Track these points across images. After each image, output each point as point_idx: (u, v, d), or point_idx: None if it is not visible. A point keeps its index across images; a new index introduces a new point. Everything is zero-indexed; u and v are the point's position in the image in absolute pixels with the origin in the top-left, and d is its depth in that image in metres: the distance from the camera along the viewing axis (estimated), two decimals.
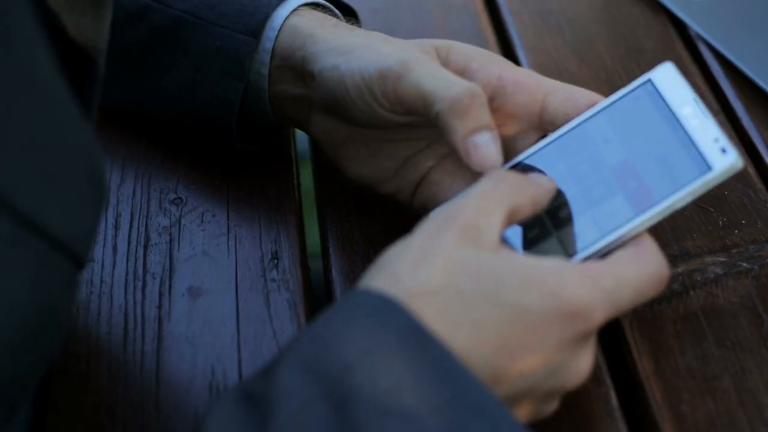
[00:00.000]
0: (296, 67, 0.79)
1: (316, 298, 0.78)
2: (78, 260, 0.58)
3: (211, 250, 0.80)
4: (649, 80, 0.72)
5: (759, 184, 0.84)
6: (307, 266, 0.79)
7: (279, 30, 0.80)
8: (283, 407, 0.57)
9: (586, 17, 1.02)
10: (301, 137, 0.91)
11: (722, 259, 0.78)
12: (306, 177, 0.87)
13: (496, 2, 1.05)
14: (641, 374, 0.71)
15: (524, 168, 0.73)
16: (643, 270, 0.65)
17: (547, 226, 0.69)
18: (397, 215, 0.82)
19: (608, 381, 0.71)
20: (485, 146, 0.70)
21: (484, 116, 0.71)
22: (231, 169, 0.86)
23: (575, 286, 0.62)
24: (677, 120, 0.70)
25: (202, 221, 0.82)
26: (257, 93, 0.82)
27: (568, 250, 0.68)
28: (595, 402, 0.70)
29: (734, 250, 0.78)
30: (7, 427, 0.59)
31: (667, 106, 0.71)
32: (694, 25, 1.00)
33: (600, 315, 0.63)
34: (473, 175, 0.74)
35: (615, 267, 0.65)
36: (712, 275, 0.77)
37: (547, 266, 0.63)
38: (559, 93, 0.74)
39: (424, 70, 0.72)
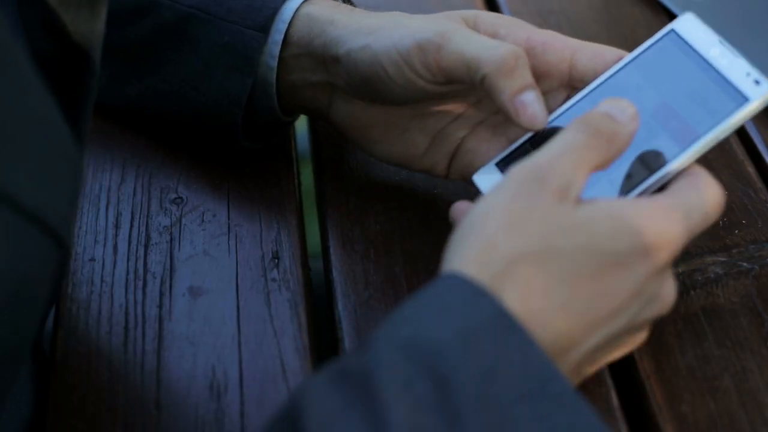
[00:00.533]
0: (315, 54, 0.80)
1: (317, 297, 0.78)
2: (55, 236, 0.58)
3: (211, 250, 0.80)
4: (672, 30, 0.74)
5: (759, 183, 0.84)
6: (308, 266, 0.79)
7: (291, 20, 0.80)
8: (390, 382, 0.57)
9: (586, 17, 1.02)
10: (301, 137, 0.91)
11: (723, 259, 0.78)
12: (306, 177, 0.87)
13: (496, 2, 1.05)
14: (641, 374, 0.71)
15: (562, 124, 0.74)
16: (705, 195, 0.67)
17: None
18: (397, 215, 0.82)
19: (608, 381, 0.71)
20: (532, 104, 0.72)
21: (528, 75, 0.73)
22: (231, 169, 0.86)
23: (657, 221, 0.65)
24: (706, 61, 0.72)
25: (203, 221, 0.82)
26: (264, 87, 0.82)
27: (622, 190, 0.70)
28: (595, 402, 0.70)
29: (734, 250, 0.78)
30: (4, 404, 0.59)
31: (695, 50, 0.73)
32: None
33: (679, 243, 0.66)
34: (508, 138, 0.78)
35: (681, 197, 0.67)
36: (712, 275, 0.77)
37: (628, 207, 0.65)
38: (586, 50, 0.76)
39: (463, 37, 0.74)
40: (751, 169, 0.86)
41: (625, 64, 0.74)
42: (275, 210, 0.83)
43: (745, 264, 0.78)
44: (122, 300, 0.77)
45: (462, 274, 0.62)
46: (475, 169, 0.76)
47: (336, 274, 0.78)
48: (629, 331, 0.67)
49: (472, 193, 0.83)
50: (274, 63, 0.81)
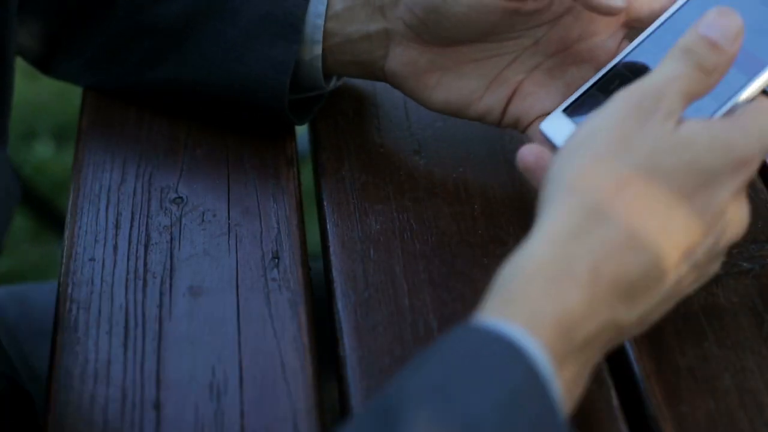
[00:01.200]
0: (372, 1, 0.80)
1: (317, 297, 0.78)
2: None
3: (211, 250, 0.80)
4: None
5: (759, 184, 0.84)
6: (308, 266, 0.79)
7: None
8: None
9: None
10: (301, 137, 0.91)
11: (723, 259, 0.78)
12: (306, 177, 0.87)
13: None
14: (641, 374, 0.71)
15: (630, 66, 0.74)
16: None
17: None
18: (397, 215, 0.82)
19: (608, 381, 0.71)
20: None
21: None
22: (232, 169, 0.86)
23: (744, 137, 0.65)
24: None
25: (203, 220, 0.82)
26: (309, 47, 0.83)
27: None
28: (595, 402, 0.70)
29: (735, 250, 0.78)
30: None
31: None
32: None
33: (759, 160, 0.66)
34: (565, 82, 0.79)
35: (753, 117, 0.67)
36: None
37: (721, 125, 0.66)
38: None
39: None
40: None
41: (683, 4, 0.74)
42: (275, 210, 0.83)
43: (745, 264, 0.78)
44: (122, 300, 0.77)
45: (497, 330, 0.60)
46: (533, 114, 0.78)
47: (336, 274, 0.78)
48: (710, 260, 0.67)
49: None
50: (321, 21, 0.82)
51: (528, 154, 0.69)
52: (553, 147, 0.72)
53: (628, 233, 0.62)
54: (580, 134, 0.66)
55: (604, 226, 0.62)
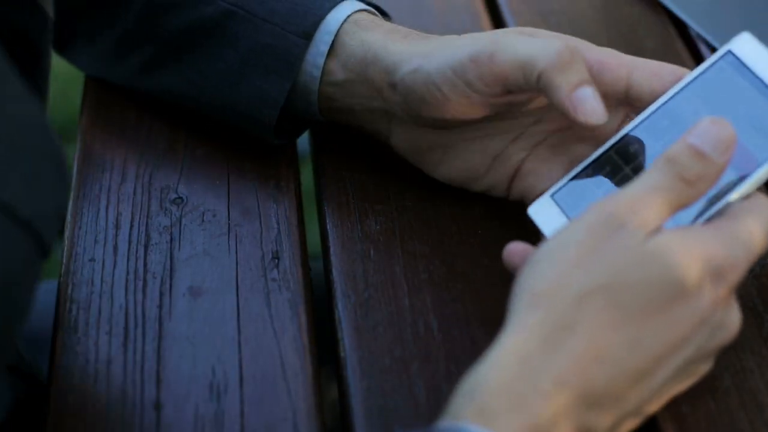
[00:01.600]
0: (372, 82, 0.79)
1: (317, 297, 0.78)
2: (40, 242, 0.58)
3: (211, 250, 0.80)
4: (729, 51, 0.72)
5: None
6: (308, 266, 0.79)
7: (347, 45, 0.80)
8: None
9: (586, 17, 1.02)
10: (301, 137, 0.91)
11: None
12: (306, 177, 0.87)
13: (496, 2, 1.05)
14: None
15: (621, 151, 0.73)
16: (765, 218, 0.67)
17: None
18: (397, 215, 0.82)
19: None
20: (590, 99, 0.71)
21: (584, 71, 0.72)
22: (231, 169, 0.86)
23: (723, 247, 0.65)
24: (765, 84, 0.70)
25: (203, 221, 0.82)
26: (305, 95, 0.82)
27: (680, 223, 0.68)
28: None
29: None
30: None
31: (753, 73, 0.71)
32: (694, 25, 1.00)
33: (743, 267, 0.66)
34: (568, 158, 0.77)
35: (742, 221, 0.66)
36: None
37: (696, 235, 0.65)
38: (643, 70, 0.74)
39: (516, 40, 0.74)
40: None
41: (682, 88, 0.73)
42: (275, 210, 0.83)
43: None
44: (122, 300, 0.77)
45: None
46: (537, 191, 0.76)
47: (336, 274, 0.78)
48: (695, 362, 0.67)
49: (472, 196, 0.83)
50: (318, 73, 0.81)
51: (514, 253, 0.69)
52: (541, 233, 0.72)
53: (591, 347, 0.63)
54: (548, 246, 0.66)
55: (566, 340, 0.63)
